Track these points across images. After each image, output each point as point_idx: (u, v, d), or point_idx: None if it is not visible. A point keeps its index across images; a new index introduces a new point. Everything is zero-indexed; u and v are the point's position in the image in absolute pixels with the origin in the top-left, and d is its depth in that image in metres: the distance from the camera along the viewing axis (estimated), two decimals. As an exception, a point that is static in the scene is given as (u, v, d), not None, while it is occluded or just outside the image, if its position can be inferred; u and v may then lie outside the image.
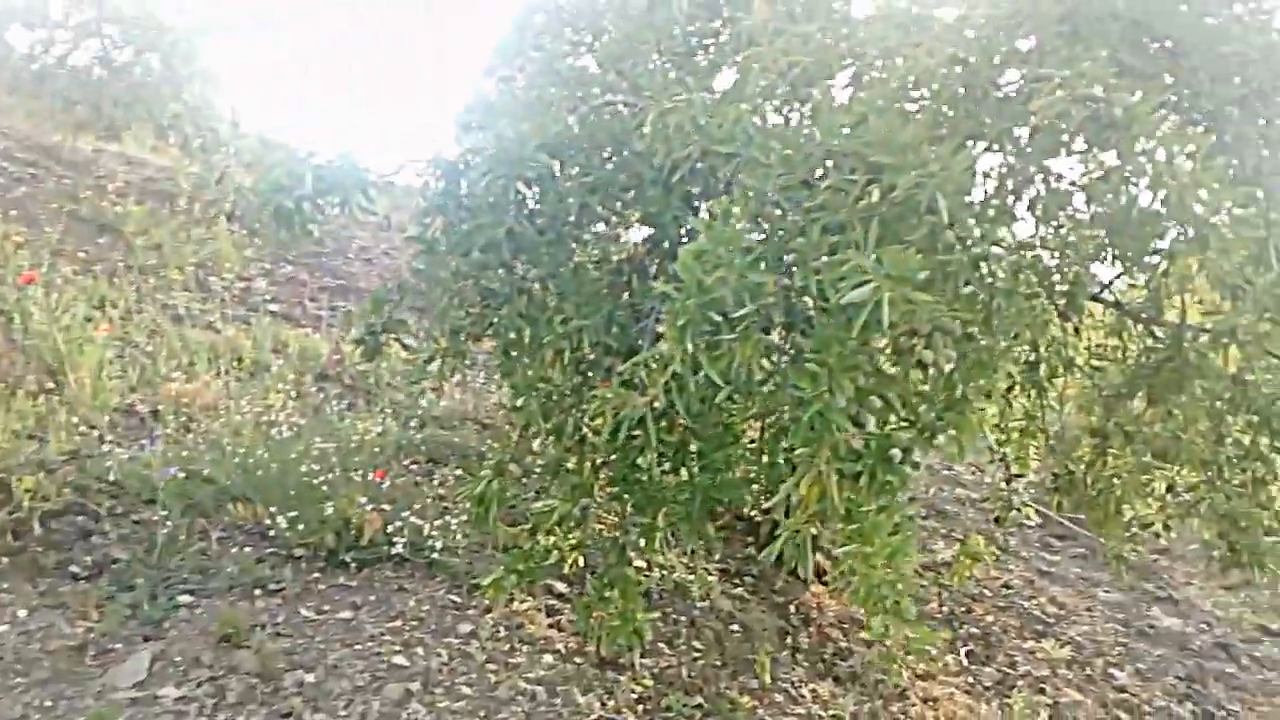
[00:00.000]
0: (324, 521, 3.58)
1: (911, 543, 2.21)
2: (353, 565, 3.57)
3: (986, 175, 3.24)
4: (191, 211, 6.45)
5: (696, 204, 3.29)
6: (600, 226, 3.59)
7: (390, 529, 3.65)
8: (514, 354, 3.20)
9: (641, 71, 3.51)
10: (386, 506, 3.74)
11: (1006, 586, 5.33)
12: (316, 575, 3.51)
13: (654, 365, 2.31)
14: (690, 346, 2.25)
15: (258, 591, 3.39)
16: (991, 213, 3.43)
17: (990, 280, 2.32)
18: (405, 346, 3.31)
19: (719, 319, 2.36)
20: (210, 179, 6.63)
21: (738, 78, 3.38)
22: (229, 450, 3.93)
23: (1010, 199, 3.32)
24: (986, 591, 5.19)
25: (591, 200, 3.25)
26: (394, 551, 3.62)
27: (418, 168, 3.42)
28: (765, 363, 2.96)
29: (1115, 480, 3.44)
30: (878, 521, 2.23)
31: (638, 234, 3.63)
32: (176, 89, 7.21)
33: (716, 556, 4.43)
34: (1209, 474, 3.61)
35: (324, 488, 3.71)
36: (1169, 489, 3.99)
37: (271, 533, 3.61)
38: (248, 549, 3.56)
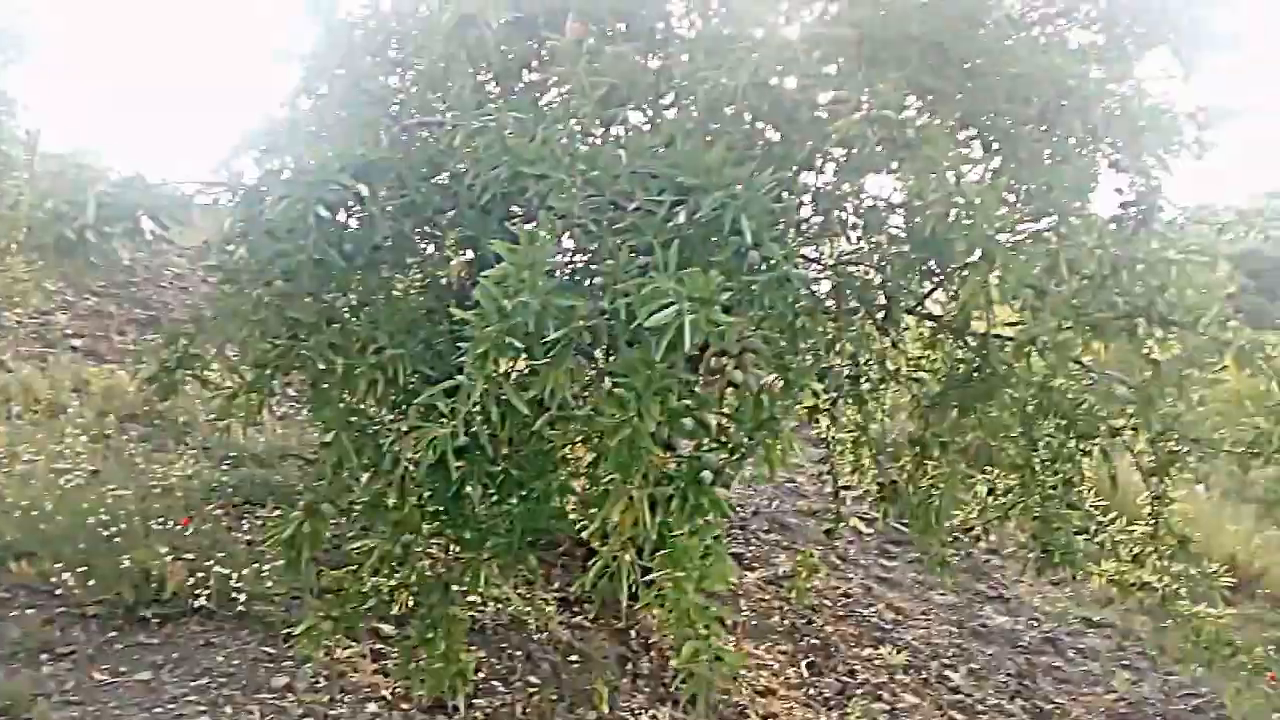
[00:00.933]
0: (120, 575, 3.29)
1: (721, 565, 2.18)
2: (153, 621, 3.29)
3: (805, 193, 3.30)
4: (-20, 241, 5.92)
5: (517, 226, 3.20)
6: (430, 249, 3.47)
7: (196, 579, 3.39)
8: (324, 387, 3.03)
9: (457, 91, 3.40)
10: (191, 555, 3.47)
11: (846, 595, 5.43)
12: (112, 635, 3.22)
13: (458, 394, 2.21)
14: (492, 374, 2.17)
15: (44, 656, 3.09)
16: (813, 230, 3.53)
17: (794, 300, 2.32)
18: (204, 383, 3.08)
19: (534, 344, 2.30)
20: (1, 205, 6.09)
21: (553, 98, 3.34)
22: (12, 502, 3.58)
23: (825, 217, 3.39)
24: (826, 601, 5.26)
25: (405, 223, 3.12)
26: (199, 604, 3.36)
27: (218, 191, 3.23)
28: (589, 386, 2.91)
29: (935, 488, 3.53)
30: (689, 545, 2.18)
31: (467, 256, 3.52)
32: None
33: (555, 585, 4.33)
34: (1023, 477, 3.76)
35: (120, 539, 3.41)
36: (990, 492, 4.15)
37: (59, 591, 3.30)
38: (31, 610, 3.24)
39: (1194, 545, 4.04)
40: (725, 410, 2.47)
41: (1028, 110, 2.75)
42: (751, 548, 5.64)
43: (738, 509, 6.10)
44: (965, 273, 2.80)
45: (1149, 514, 3.88)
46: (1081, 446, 3.63)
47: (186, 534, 3.60)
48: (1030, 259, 2.39)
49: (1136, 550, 4.01)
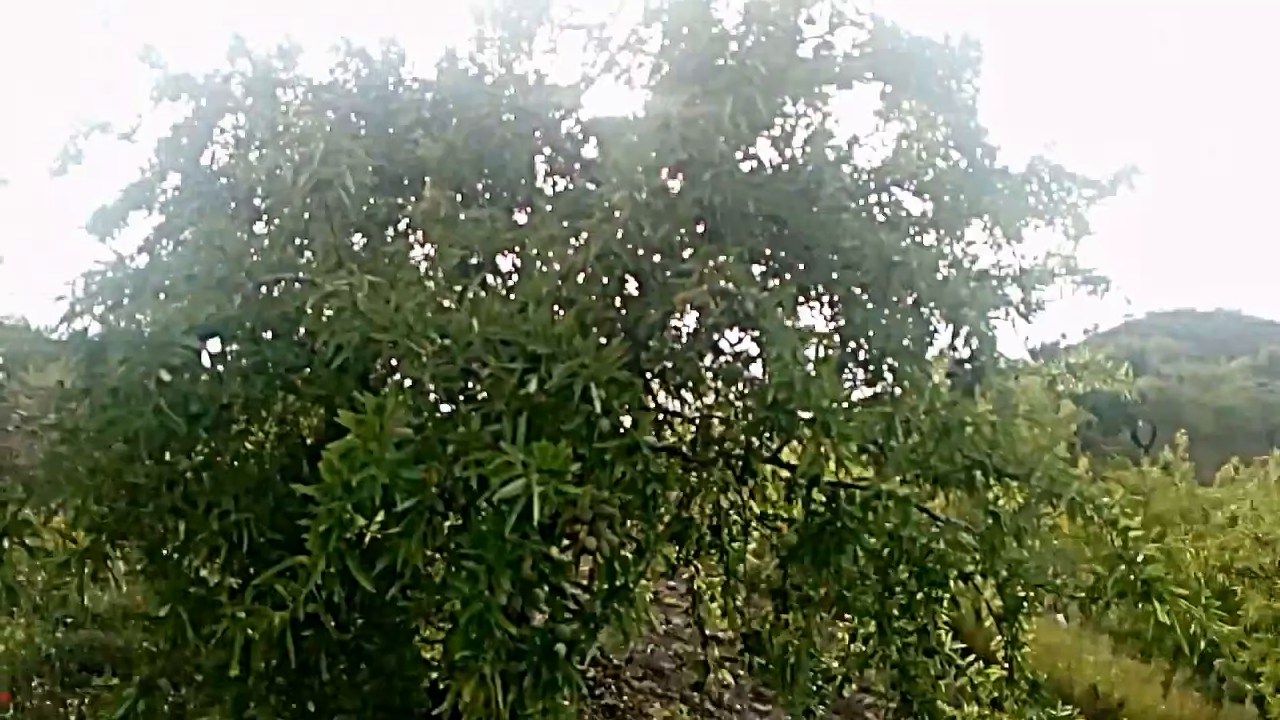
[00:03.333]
0: (-77, 767, 3.00)
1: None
2: (-43, 819, 2.99)
3: (662, 351, 3.39)
4: None
5: (373, 386, 3.18)
6: (288, 400, 3.41)
7: (12, 766, 3.12)
8: (162, 554, 2.89)
9: (316, 249, 3.42)
10: (10, 738, 3.20)
11: (719, 745, 5.35)
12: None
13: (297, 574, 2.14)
14: (336, 549, 2.12)
15: None
16: (676, 383, 3.62)
17: (644, 467, 2.36)
18: (31, 551, 2.91)
19: (383, 512, 2.28)
20: None
21: (412, 259, 3.39)
22: None
23: (685, 370, 3.49)
24: (700, 753, 5.17)
25: (257, 382, 3.07)
26: (14, 795, 3.08)
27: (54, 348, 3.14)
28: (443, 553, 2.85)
29: (793, 643, 3.57)
30: (541, 725, 2.14)
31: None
32: None
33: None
34: (880, 625, 3.83)
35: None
36: (852, 639, 4.20)
37: None
38: None
39: (1057, 674, 4.17)
40: (579, 579, 2.46)
41: (861, 279, 2.93)
42: (624, 698, 5.53)
43: (611, 656, 5.99)
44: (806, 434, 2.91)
45: (1003, 658, 3.98)
46: (934, 594, 3.73)
47: (6, 714, 3.31)
48: (864, 425, 2.50)
49: (995, 694, 4.10)
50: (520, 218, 3.74)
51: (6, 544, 2.98)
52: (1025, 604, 3.81)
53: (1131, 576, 3.11)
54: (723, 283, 2.45)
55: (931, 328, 3.33)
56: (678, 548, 3.70)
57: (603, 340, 2.41)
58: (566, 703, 2.24)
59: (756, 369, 3.49)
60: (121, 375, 2.66)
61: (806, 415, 2.45)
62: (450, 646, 2.32)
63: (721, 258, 2.53)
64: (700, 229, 2.76)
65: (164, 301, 3.08)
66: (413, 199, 3.82)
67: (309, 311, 2.82)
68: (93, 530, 2.94)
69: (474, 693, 2.22)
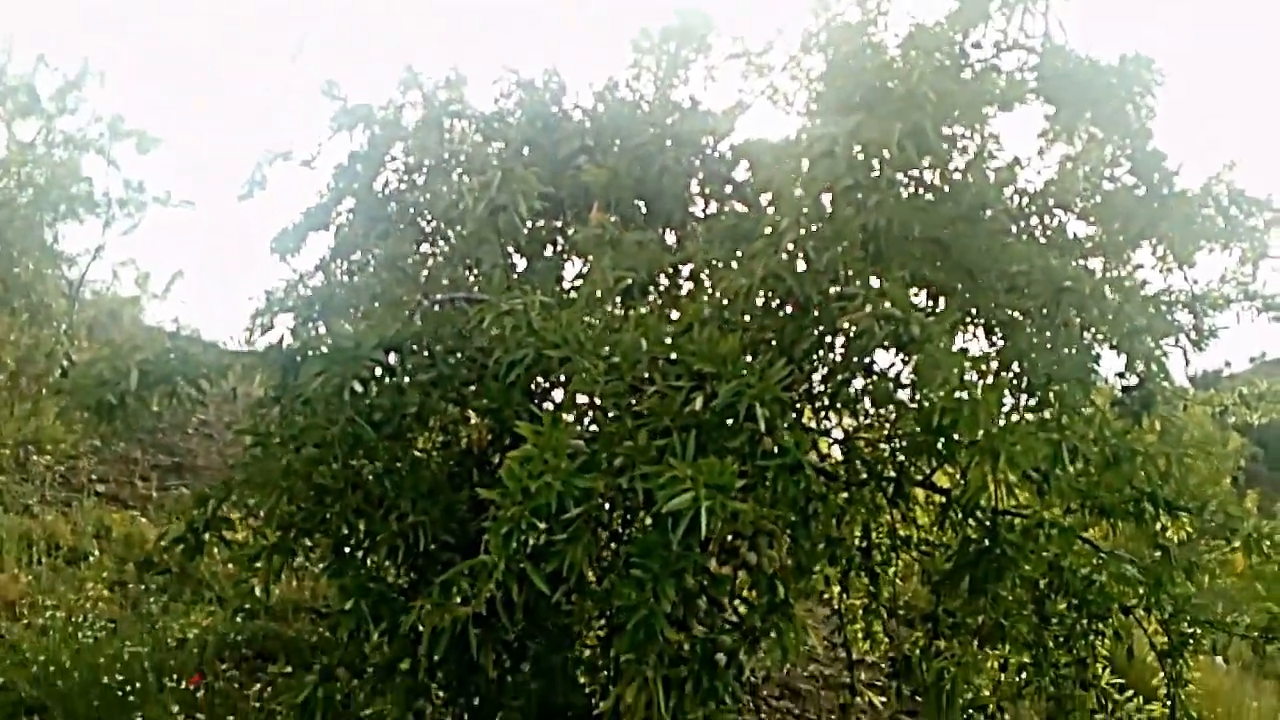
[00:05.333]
0: (131, 736, 3.29)
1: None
2: (160, 785, 3.27)
3: (815, 370, 3.42)
4: (16, 387, 6.13)
5: (537, 399, 3.33)
6: (450, 410, 3.59)
7: (206, 741, 3.39)
8: (346, 550, 3.10)
9: (487, 270, 3.60)
10: (202, 716, 3.47)
11: (857, 771, 5.28)
12: (119, 798, 3.20)
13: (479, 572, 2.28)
14: (514, 553, 2.24)
15: (48, 820, 3.06)
16: (823, 404, 3.64)
17: (806, 485, 2.40)
18: (228, 545, 3.16)
19: (553, 520, 2.39)
20: (38, 353, 6.35)
21: (577, 277, 3.53)
22: (30, 656, 3.61)
23: (836, 390, 3.50)
24: (837, 778, 5.12)
25: (433, 394, 3.26)
26: (209, 767, 3.34)
27: (251, 358, 3.41)
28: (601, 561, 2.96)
29: (947, 670, 3.52)
30: (701, 731, 2.21)
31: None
32: (8, 262, 6.92)
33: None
34: (1035, 656, 3.73)
35: (134, 696, 3.42)
36: (1003, 669, 4.10)
37: (69, 751, 3.30)
38: (40, 770, 3.24)
39: (1218, 720, 3.96)
40: (739, 592, 2.53)
41: (1027, 303, 2.89)
42: (762, 716, 5.53)
43: (751, 674, 6.00)
44: (970, 459, 2.89)
45: (1165, 695, 3.82)
46: (1094, 626, 3.62)
47: (198, 694, 3.60)
48: (1032, 450, 2.47)
49: (1155, 731, 3.93)
50: (671, 238, 3.85)
51: (207, 537, 3.27)
52: (1191, 641, 3.66)
53: (1311, 618, 2.96)
54: (887, 305, 2.48)
55: (1096, 353, 3.25)
56: (832, 567, 3.71)
57: (765, 361, 2.46)
58: (727, 711, 2.30)
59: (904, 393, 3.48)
60: (317, 386, 2.87)
61: (969, 440, 2.45)
62: (614, 650, 2.42)
63: (886, 283, 2.56)
64: (862, 252, 2.78)
65: (354, 318, 3.32)
66: (574, 221, 4.00)
67: (483, 328, 2.99)
68: (283, 527, 3.17)
69: (636, 695, 2.31)
